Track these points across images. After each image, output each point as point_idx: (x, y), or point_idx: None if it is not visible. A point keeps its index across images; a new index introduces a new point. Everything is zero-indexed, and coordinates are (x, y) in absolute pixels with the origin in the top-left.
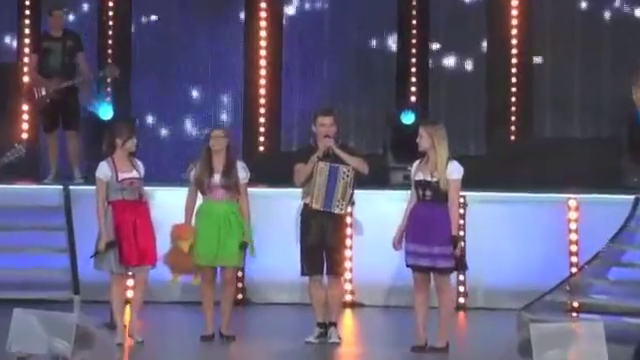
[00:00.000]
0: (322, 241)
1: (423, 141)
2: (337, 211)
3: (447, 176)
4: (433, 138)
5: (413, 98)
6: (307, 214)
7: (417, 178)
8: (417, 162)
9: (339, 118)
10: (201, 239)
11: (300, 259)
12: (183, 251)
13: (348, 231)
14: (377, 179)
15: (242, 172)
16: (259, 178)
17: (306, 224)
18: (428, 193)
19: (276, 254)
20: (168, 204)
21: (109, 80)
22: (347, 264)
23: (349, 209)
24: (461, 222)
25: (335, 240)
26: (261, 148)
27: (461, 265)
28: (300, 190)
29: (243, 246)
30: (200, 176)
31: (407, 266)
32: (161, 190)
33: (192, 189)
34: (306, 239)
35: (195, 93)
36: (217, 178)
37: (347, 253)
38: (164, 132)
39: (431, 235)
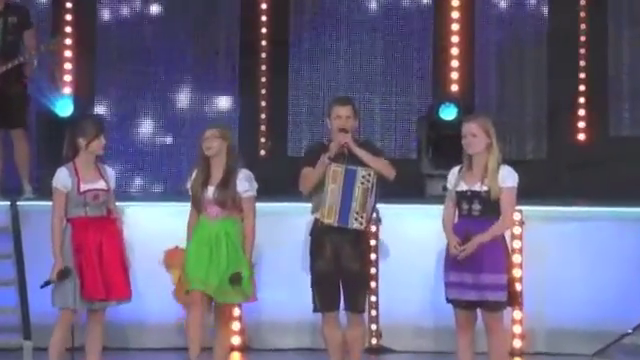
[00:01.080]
0: (338, 267)
1: (477, 141)
2: (356, 226)
3: (499, 183)
4: (490, 137)
5: (454, 87)
6: (318, 232)
7: (460, 189)
8: (456, 169)
9: (359, 110)
10: (190, 264)
11: (311, 291)
12: (175, 283)
13: (372, 255)
14: (410, 190)
15: (244, 183)
16: (259, 190)
17: (317, 245)
18: (476, 207)
19: (281, 287)
20: (145, 223)
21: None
22: (371, 298)
23: (373, 226)
24: (517, 245)
25: (355, 266)
26: (261, 152)
27: (516, 299)
28: (309, 203)
29: (234, 280)
30: (193, 188)
31: (448, 301)
32: (135, 205)
33: (193, 204)
34: (318, 265)
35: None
36: (210, 191)
37: (371, 284)
38: (138, 133)
39: (479, 261)
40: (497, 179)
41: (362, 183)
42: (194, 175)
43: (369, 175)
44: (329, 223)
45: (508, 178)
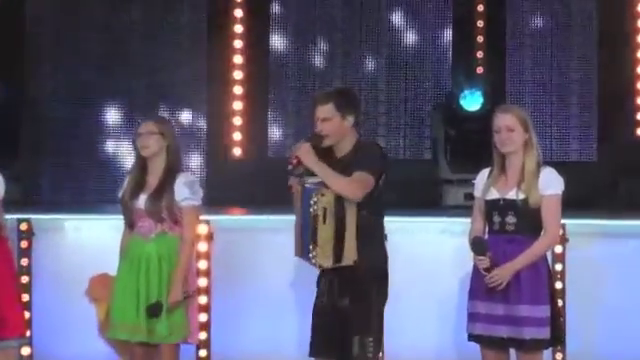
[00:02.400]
0: (331, 304)
1: (515, 137)
2: (312, 263)
3: (540, 190)
4: (529, 131)
5: (480, 70)
6: None
7: (491, 197)
8: (485, 172)
9: (348, 105)
10: (115, 300)
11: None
12: (100, 319)
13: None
14: (423, 199)
15: (183, 189)
16: (232, 199)
17: (318, 279)
18: (510, 220)
19: (260, 325)
20: (58, 241)
21: None
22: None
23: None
24: (558, 267)
25: (344, 302)
26: (236, 152)
27: (561, 337)
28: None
29: (153, 310)
30: (124, 196)
31: (470, 338)
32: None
33: (124, 219)
34: (315, 299)
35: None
36: (142, 200)
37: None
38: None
39: (515, 287)
40: (537, 184)
41: (312, 208)
42: (125, 182)
43: (318, 198)
44: (298, 256)
45: (551, 183)
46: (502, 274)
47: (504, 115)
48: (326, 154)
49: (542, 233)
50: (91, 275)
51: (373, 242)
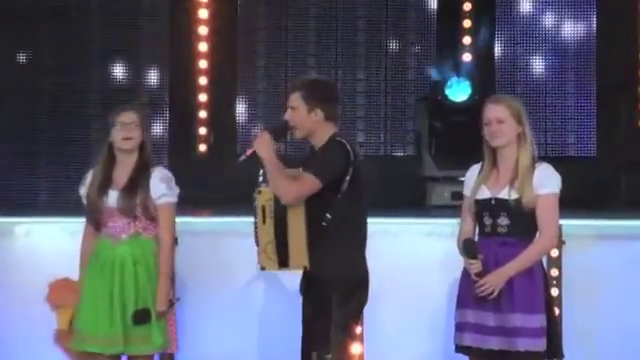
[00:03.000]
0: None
1: (506, 129)
2: (262, 266)
3: (535, 189)
4: (523, 122)
5: (467, 57)
6: None
7: (481, 196)
8: (475, 168)
9: (317, 97)
10: (82, 310)
11: None
12: (62, 328)
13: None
14: (406, 199)
15: (159, 185)
16: (200, 199)
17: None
18: (503, 222)
19: (225, 334)
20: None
21: None
22: (351, 349)
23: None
24: (554, 273)
25: (308, 311)
26: (201, 148)
27: (558, 348)
28: None
29: (139, 318)
30: (90, 194)
31: (457, 350)
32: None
33: (88, 219)
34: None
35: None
36: (113, 197)
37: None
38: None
39: (508, 295)
40: (531, 182)
41: (254, 209)
42: (91, 176)
43: (255, 195)
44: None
45: (547, 181)
46: (493, 281)
47: (494, 106)
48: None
49: (537, 235)
50: (49, 281)
51: (338, 249)
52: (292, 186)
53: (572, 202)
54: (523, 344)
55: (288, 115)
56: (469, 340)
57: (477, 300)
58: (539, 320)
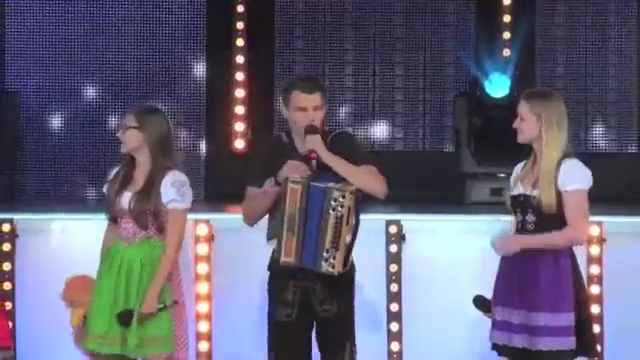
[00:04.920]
0: (306, 315)
1: (525, 126)
2: (326, 270)
3: (559, 186)
4: (542, 120)
5: (507, 52)
6: (277, 270)
7: (514, 193)
8: (521, 165)
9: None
10: (92, 307)
11: (268, 347)
12: (73, 326)
13: (393, 287)
14: (445, 195)
15: (169, 190)
16: (230, 197)
17: (277, 286)
18: (530, 219)
19: (248, 334)
20: (44, 243)
21: None
22: (391, 345)
23: (393, 246)
24: (595, 271)
25: (331, 309)
26: (239, 144)
27: (592, 348)
28: None
29: (122, 318)
30: (109, 191)
31: (492, 347)
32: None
33: (107, 215)
34: (277, 312)
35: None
36: (126, 199)
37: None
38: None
39: (532, 292)
40: (553, 179)
41: (334, 209)
42: (112, 174)
43: (343, 197)
44: (287, 262)
45: (572, 177)
46: (505, 242)
47: (521, 101)
48: (286, 149)
49: (564, 232)
50: (68, 277)
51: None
52: (380, 180)
53: (613, 199)
54: (544, 343)
55: (312, 116)
56: (497, 337)
57: (505, 297)
58: (566, 319)
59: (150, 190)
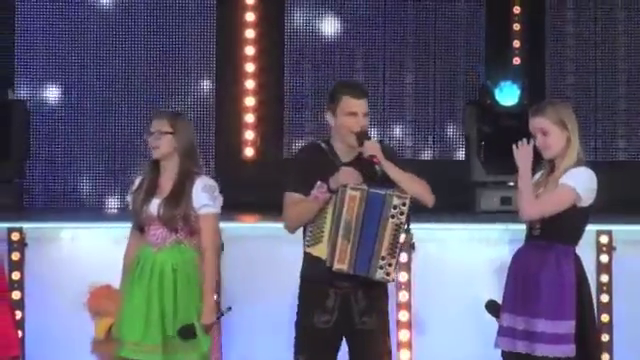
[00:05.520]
0: (344, 325)
1: (551, 140)
2: (380, 277)
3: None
4: (568, 128)
5: (517, 60)
6: (315, 277)
7: None
8: (539, 174)
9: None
10: (122, 316)
11: (294, 356)
12: (98, 337)
13: (403, 295)
14: (455, 204)
15: (201, 195)
16: (242, 206)
17: (314, 294)
18: (536, 225)
19: (274, 343)
20: (53, 252)
21: None
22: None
23: (403, 254)
24: (604, 279)
25: (370, 321)
26: (248, 152)
27: (596, 356)
28: None
29: (186, 333)
30: (135, 201)
31: (502, 355)
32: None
33: (133, 224)
34: (313, 321)
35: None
36: (155, 205)
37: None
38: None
39: (534, 299)
40: (557, 184)
41: (393, 216)
42: (137, 183)
43: (403, 205)
44: (340, 269)
45: (571, 176)
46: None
47: (535, 118)
48: (326, 156)
49: (537, 203)
50: (89, 286)
51: None
52: (428, 188)
53: (623, 207)
54: (542, 349)
55: (363, 121)
56: (502, 344)
57: (510, 303)
58: (566, 326)
59: (180, 195)
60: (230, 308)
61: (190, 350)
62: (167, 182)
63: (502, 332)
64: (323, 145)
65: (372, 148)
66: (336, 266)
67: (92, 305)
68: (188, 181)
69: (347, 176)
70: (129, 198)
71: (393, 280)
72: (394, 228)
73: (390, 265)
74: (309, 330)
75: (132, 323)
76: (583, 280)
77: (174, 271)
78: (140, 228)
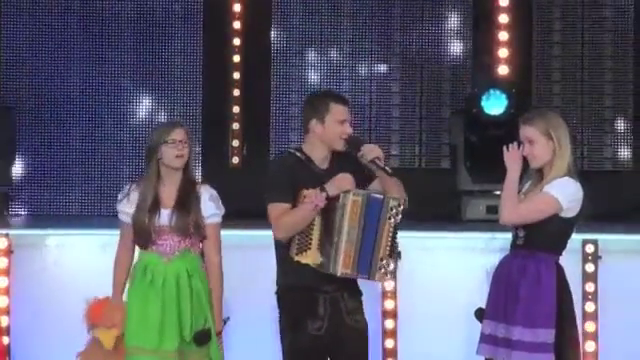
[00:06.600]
0: (337, 328)
1: (537, 150)
2: (379, 277)
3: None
4: (554, 139)
5: (504, 69)
6: (302, 285)
7: None
8: (528, 184)
9: None
10: (132, 321)
11: None
12: (103, 346)
13: (389, 304)
14: (441, 212)
15: (209, 205)
16: (228, 213)
17: (304, 302)
18: (521, 233)
19: (262, 350)
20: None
21: None
22: None
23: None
24: (590, 288)
25: (361, 319)
26: (234, 160)
27: None
28: None
29: (201, 338)
30: (139, 215)
31: None
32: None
33: (125, 235)
34: (304, 327)
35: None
36: (165, 216)
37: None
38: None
39: (512, 308)
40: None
41: (390, 218)
42: (137, 194)
43: (399, 206)
44: (345, 274)
45: (555, 186)
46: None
47: (523, 126)
48: (304, 164)
49: (519, 208)
50: (87, 300)
51: None
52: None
53: (609, 216)
54: (518, 357)
55: (349, 129)
56: (484, 351)
57: (492, 311)
58: (544, 335)
59: (189, 204)
60: (229, 318)
61: (204, 356)
62: (169, 192)
63: (484, 339)
64: (298, 154)
65: (372, 151)
66: (342, 271)
67: (93, 317)
68: (194, 190)
69: (346, 182)
70: (122, 207)
71: (389, 279)
72: (392, 229)
73: (389, 265)
74: (303, 338)
75: (147, 331)
76: (564, 290)
77: (190, 277)
78: (145, 242)
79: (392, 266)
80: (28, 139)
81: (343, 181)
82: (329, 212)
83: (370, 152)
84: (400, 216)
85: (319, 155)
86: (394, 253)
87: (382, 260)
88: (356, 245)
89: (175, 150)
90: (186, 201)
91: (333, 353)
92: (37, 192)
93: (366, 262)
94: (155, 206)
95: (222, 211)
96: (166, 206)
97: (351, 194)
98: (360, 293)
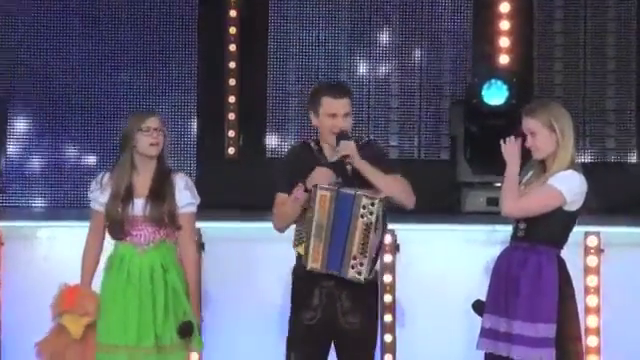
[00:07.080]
0: (330, 324)
1: (540, 141)
2: (352, 276)
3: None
4: (557, 130)
5: (504, 59)
6: (304, 274)
7: None
8: (529, 174)
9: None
10: (109, 318)
11: (286, 353)
12: (69, 335)
13: (387, 297)
14: (440, 204)
15: (184, 193)
16: (223, 204)
17: (302, 292)
18: (521, 225)
19: (253, 343)
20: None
21: None
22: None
23: (388, 256)
24: (592, 282)
25: (355, 321)
26: (230, 151)
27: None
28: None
29: (184, 330)
30: (113, 205)
31: (485, 356)
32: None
33: (96, 223)
34: (300, 319)
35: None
36: (139, 206)
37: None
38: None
39: (513, 302)
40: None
41: (362, 216)
42: (109, 183)
43: (372, 205)
44: (313, 268)
45: (559, 179)
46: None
47: (525, 118)
48: (314, 156)
49: (521, 200)
50: (62, 285)
51: None
52: (409, 190)
53: (612, 209)
54: (518, 352)
55: (343, 122)
56: (484, 345)
57: (493, 305)
58: (544, 330)
59: (163, 193)
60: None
61: (183, 349)
62: (143, 181)
63: (484, 333)
64: (312, 144)
65: (345, 148)
66: (310, 265)
67: (65, 305)
68: (168, 178)
69: (320, 176)
70: (94, 195)
71: (365, 279)
72: (364, 228)
73: (362, 265)
74: (298, 327)
75: (125, 328)
76: (565, 284)
77: (165, 271)
78: (119, 232)
79: (367, 266)
80: (19, 130)
81: (317, 175)
82: (310, 206)
83: (343, 150)
84: (373, 215)
85: (329, 147)
86: (367, 252)
87: (355, 259)
88: (325, 241)
89: (150, 138)
90: (160, 190)
91: (335, 340)
92: (28, 184)
93: (337, 258)
94: (129, 195)
95: (197, 200)
96: (140, 195)
97: (319, 189)
98: (365, 296)
